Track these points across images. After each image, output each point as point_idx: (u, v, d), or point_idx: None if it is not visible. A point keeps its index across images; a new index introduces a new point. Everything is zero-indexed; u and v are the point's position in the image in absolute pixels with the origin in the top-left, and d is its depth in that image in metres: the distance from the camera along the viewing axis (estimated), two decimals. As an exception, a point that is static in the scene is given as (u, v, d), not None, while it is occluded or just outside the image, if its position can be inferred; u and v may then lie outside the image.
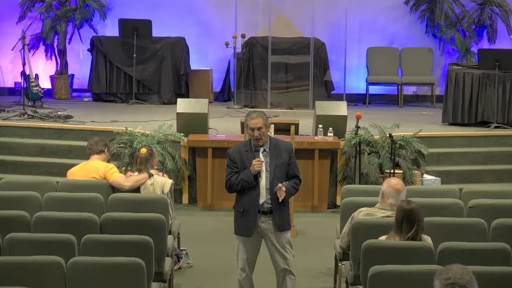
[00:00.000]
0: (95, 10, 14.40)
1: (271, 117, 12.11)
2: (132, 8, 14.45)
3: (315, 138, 10.36)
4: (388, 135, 9.87)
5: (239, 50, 13.72)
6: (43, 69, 14.50)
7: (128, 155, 9.91)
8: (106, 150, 7.84)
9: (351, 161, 10.12)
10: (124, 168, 9.58)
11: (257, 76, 13.85)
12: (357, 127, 9.86)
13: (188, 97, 13.26)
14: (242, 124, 9.52)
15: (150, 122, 11.39)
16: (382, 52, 14.51)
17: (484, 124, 11.69)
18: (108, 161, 7.95)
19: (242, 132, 9.53)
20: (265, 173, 6.55)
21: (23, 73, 12.71)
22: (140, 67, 13.97)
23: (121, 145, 10.15)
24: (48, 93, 14.08)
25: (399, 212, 5.82)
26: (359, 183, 9.77)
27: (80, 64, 14.79)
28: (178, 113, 10.67)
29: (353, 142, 10.06)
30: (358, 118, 9.76)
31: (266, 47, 13.67)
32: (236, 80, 13.78)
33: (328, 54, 14.03)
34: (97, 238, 5.98)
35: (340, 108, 10.77)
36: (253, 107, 13.37)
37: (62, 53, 14.48)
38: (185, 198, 10.44)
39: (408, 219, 5.76)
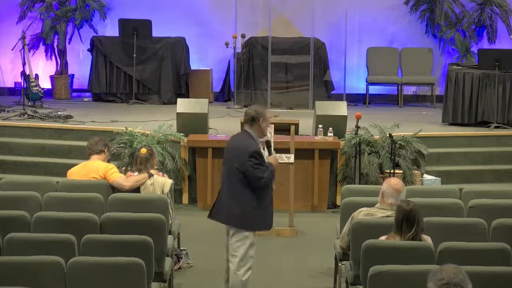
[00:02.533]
0: (95, 10, 14.40)
1: (271, 117, 12.11)
2: (132, 8, 14.45)
3: (315, 138, 10.36)
4: (388, 135, 9.87)
5: (239, 50, 13.72)
6: (43, 69, 14.50)
7: (128, 155, 9.91)
8: (106, 150, 7.84)
9: (351, 161, 10.12)
10: (124, 168, 9.58)
11: (257, 76, 13.85)
12: (357, 127, 9.86)
13: (188, 97, 13.26)
14: (242, 124, 9.51)
15: (150, 122, 11.38)
16: (382, 52, 14.51)
17: (484, 124, 11.69)
18: (108, 161, 7.95)
19: (242, 132, 9.51)
20: None
21: (23, 73, 12.71)
22: (140, 67, 13.96)
23: (121, 145, 10.15)
24: (48, 93, 14.08)
25: (399, 213, 5.82)
26: (359, 183, 9.77)
27: (80, 64, 14.79)
28: (178, 113, 10.67)
29: (353, 142, 10.06)
30: (358, 118, 9.77)
31: (266, 47, 13.67)
32: (236, 80, 13.78)
33: (328, 54, 14.04)
34: (97, 238, 5.97)
35: (340, 108, 10.77)
36: (253, 107, 13.37)
37: (62, 53, 14.48)
38: (185, 198, 10.44)
39: (408, 220, 5.76)
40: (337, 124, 10.52)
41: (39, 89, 13.01)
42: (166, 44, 14.06)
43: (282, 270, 8.00)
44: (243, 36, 13.73)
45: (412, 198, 6.57)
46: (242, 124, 9.41)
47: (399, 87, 14.25)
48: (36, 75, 13.18)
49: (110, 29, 14.49)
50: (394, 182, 6.45)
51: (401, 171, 10.03)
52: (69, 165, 8.65)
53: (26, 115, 11.81)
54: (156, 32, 14.00)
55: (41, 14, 14.05)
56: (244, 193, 6.61)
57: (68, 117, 11.82)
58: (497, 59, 11.63)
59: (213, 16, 14.60)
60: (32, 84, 12.90)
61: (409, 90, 14.78)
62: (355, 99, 14.17)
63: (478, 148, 11.15)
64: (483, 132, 11.43)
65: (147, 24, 13.91)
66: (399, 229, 5.79)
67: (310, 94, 13.49)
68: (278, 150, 9.18)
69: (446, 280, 4.00)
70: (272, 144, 7.24)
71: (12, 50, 13.15)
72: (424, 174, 10.35)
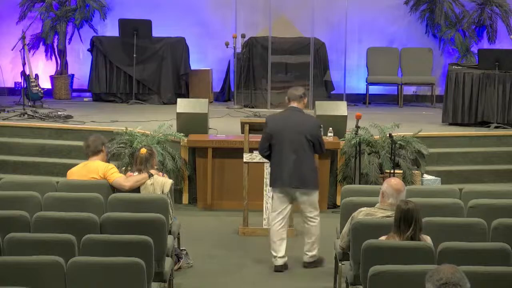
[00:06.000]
0: (95, 10, 14.41)
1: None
2: (132, 8, 14.45)
3: (315, 138, 10.34)
4: (388, 135, 9.87)
5: (239, 50, 13.72)
6: (43, 69, 14.50)
7: (128, 155, 9.90)
8: (104, 148, 7.77)
9: (351, 161, 10.12)
10: (124, 168, 9.58)
11: (257, 76, 13.85)
12: (357, 127, 9.86)
13: (188, 97, 13.26)
14: (242, 124, 9.53)
15: (150, 122, 11.38)
16: (382, 52, 14.51)
17: (484, 124, 11.68)
18: (108, 160, 7.93)
19: (242, 132, 9.53)
20: None
21: (23, 73, 12.71)
22: (140, 67, 13.96)
23: (121, 145, 10.15)
24: (48, 93, 14.08)
25: (397, 212, 5.83)
26: (359, 183, 9.77)
27: (80, 64, 14.79)
28: (178, 113, 10.67)
29: (353, 142, 10.06)
30: (358, 118, 9.76)
31: (266, 47, 13.66)
32: (236, 80, 13.78)
33: (328, 54, 14.03)
34: (97, 238, 5.97)
35: (340, 108, 10.77)
36: (253, 107, 13.39)
37: (62, 53, 14.48)
38: (185, 198, 10.44)
39: (405, 219, 5.76)
40: (337, 124, 10.51)
41: (39, 89, 13.01)
42: (166, 44, 14.06)
43: (282, 270, 8.01)
44: (243, 36, 13.73)
45: (412, 198, 6.56)
46: (242, 125, 9.50)
47: (399, 87, 14.26)
48: (36, 75, 13.19)
49: (110, 29, 14.49)
50: (394, 182, 6.45)
51: (401, 171, 10.03)
52: (69, 165, 8.65)
53: (26, 115, 11.81)
54: (156, 32, 14.00)
55: (41, 14, 14.06)
56: (312, 158, 7.99)
57: (68, 117, 11.82)
58: (497, 59, 11.63)
59: (213, 16, 14.60)
60: (32, 84, 12.90)
61: (409, 90, 14.79)
62: (355, 99, 14.18)
63: (478, 148, 11.15)
64: (483, 132, 11.42)
65: (147, 24, 13.91)
66: (398, 229, 5.80)
67: (310, 94, 13.48)
68: (278, 150, 9.20)
69: (445, 280, 4.00)
70: None
71: (12, 50, 13.15)
72: (424, 174, 10.35)
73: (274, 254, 7.95)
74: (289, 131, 7.86)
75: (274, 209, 8.06)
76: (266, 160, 9.15)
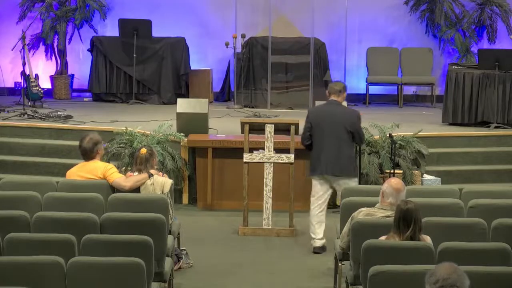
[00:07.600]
0: (95, 10, 14.40)
1: (271, 117, 12.12)
2: (132, 8, 14.45)
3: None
4: (388, 135, 9.87)
5: (239, 50, 13.72)
6: (43, 69, 14.50)
7: (128, 155, 9.90)
8: (98, 150, 7.72)
9: (351, 161, 10.11)
10: (124, 168, 9.58)
11: (257, 76, 13.84)
12: (357, 127, 9.85)
13: (188, 97, 13.25)
14: (242, 124, 9.53)
15: (150, 122, 11.38)
16: (382, 52, 14.51)
17: (484, 124, 11.68)
18: (108, 160, 7.90)
19: (242, 132, 9.53)
20: None
21: (23, 73, 12.71)
22: (140, 67, 13.96)
23: (121, 145, 10.14)
24: (48, 93, 14.08)
25: (396, 212, 5.84)
26: (359, 183, 9.76)
27: (80, 64, 14.79)
28: (178, 113, 10.67)
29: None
30: (358, 118, 9.76)
31: (266, 47, 13.66)
32: (236, 80, 13.78)
33: (328, 54, 14.02)
34: (97, 238, 5.97)
35: (340, 108, 10.75)
36: (253, 107, 13.39)
37: (62, 53, 14.48)
38: (185, 198, 10.43)
39: (404, 219, 5.76)
40: (337, 124, 10.49)
41: (39, 89, 13.01)
42: (166, 44, 14.06)
43: (282, 270, 8.00)
44: (243, 36, 13.73)
45: (412, 198, 6.56)
46: (242, 125, 9.50)
47: (399, 87, 14.26)
48: (36, 75, 13.18)
49: (110, 29, 14.49)
50: (394, 182, 6.46)
51: (401, 171, 10.03)
52: (69, 165, 8.64)
53: (26, 115, 11.81)
54: (156, 32, 14.00)
55: (41, 14, 14.05)
56: (350, 147, 8.46)
57: (68, 117, 11.82)
58: (497, 59, 11.63)
59: (213, 16, 14.61)
60: (32, 84, 12.90)
61: (409, 90, 14.78)
62: (355, 99, 14.16)
63: (478, 148, 11.15)
64: (483, 132, 11.42)
65: (147, 24, 13.90)
66: (397, 229, 5.80)
67: (310, 94, 13.49)
68: (278, 150, 9.22)
69: (441, 283, 3.98)
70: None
71: (12, 50, 13.14)
72: (424, 174, 10.35)
73: (313, 236, 8.42)
74: (329, 122, 8.41)
75: (313, 195, 8.48)
76: (266, 160, 9.17)
